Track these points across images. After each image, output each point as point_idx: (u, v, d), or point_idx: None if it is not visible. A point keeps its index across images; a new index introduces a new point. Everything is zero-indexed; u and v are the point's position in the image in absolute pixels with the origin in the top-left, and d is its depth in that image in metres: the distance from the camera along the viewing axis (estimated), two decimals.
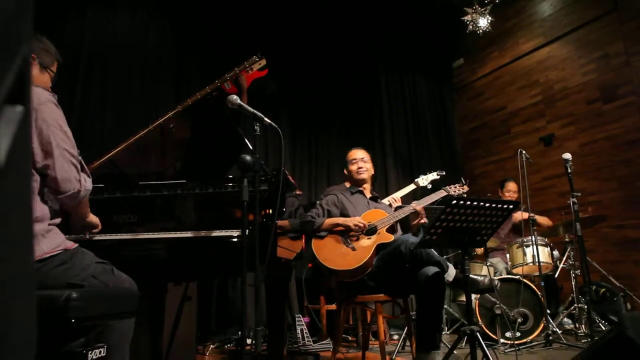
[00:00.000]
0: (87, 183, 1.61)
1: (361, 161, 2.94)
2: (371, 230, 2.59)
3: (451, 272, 2.33)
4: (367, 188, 2.97)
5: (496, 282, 2.36)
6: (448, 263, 2.38)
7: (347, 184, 4.10)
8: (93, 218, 1.89)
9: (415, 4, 6.13)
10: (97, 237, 2.01)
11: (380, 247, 2.51)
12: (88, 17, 4.23)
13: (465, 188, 3.01)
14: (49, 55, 1.74)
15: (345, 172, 4.12)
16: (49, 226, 1.50)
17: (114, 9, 4.43)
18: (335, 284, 2.63)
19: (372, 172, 3.01)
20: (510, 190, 4.56)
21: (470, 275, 2.34)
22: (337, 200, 2.82)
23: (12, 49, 0.38)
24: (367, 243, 2.54)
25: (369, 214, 2.70)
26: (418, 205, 2.75)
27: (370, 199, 2.91)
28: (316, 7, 5.50)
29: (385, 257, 2.46)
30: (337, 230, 2.59)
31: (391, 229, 2.64)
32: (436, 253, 2.39)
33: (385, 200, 3.06)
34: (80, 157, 1.63)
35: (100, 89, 4.11)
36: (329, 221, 2.62)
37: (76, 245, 1.57)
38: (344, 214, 2.74)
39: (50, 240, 1.47)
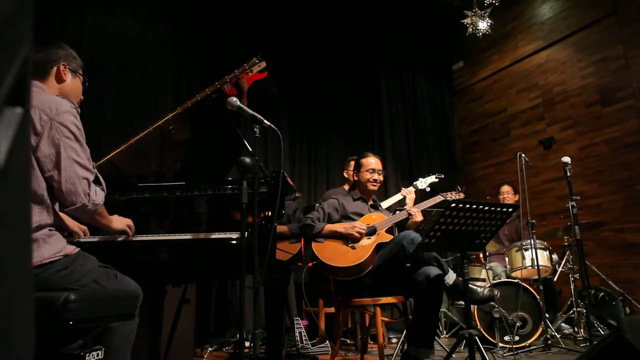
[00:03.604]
0: (98, 197, 1.56)
1: (377, 173, 2.87)
2: (371, 232, 2.61)
3: (451, 276, 2.33)
4: (370, 197, 2.95)
5: (496, 292, 2.34)
6: (448, 267, 2.38)
7: (347, 187, 4.10)
8: (119, 225, 1.86)
9: (415, 7, 6.15)
10: (96, 240, 2.01)
11: (379, 247, 2.53)
12: (88, 18, 4.23)
13: (462, 195, 3.02)
14: (75, 59, 1.74)
15: (345, 174, 4.13)
16: (50, 231, 1.49)
17: (114, 9, 4.42)
18: (334, 285, 2.63)
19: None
20: (503, 192, 4.61)
21: (470, 285, 2.33)
22: (339, 204, 2.81)
23: (12, 50, 0.38)
24: (367, 242, 2.56)
25: (368, 217, 2.74)
26: (414, 209, 2.77)
27: (371, 206, 2.91)
28: (316, 9, 5.51)
29: (386, 256, 2.46)
30: (336, 236, 2.60)
31: (390, 231, 2.66)
32: (437, 255, 2.39)
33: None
34: (95, 170, 1.60)
35: (100, 90, 4.10)
36: (329, 227, 2.62)
37: (77, 249, 1.56)
38: (345, 218, 2.74)
39: (51, 246, 1.46)
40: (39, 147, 1.46)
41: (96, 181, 1.60)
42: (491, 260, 4.24)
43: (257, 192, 1.81)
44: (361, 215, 2.78)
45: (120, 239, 1.97)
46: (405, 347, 2.38)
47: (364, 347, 2.97)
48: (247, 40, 4.89)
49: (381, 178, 2.91)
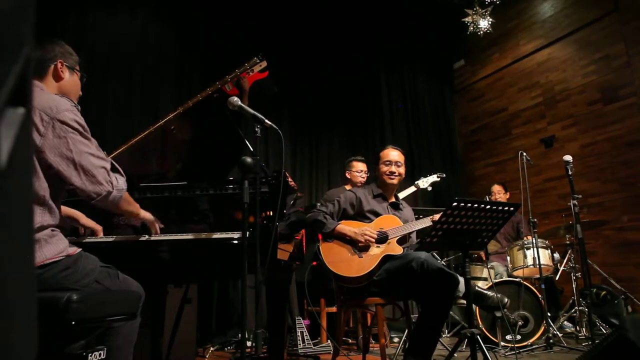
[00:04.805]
0: (120, 183, 1.58)
1: (395, 165, 2.74)
2: (381, 239, 2.51)
3: (461, 288, 2.25)
4: (391, 193, 2.81)
5: (506, 300, 2.31)
6: (458, 276, 2.27)
7: (348, 187, 4.09)
8: (148, 215, 1.88)
9: (416, 5, 6.14)
10: (97, 240, 2.01)
11: (387, 257, 2.43)
12: (88, 18, 4.23)
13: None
14: (72, 56, 1.73)
15: (348, 175, 4.10)
16: (52, 232, 1.49)
17: (114, 9, 4.43)
18: (337, 286, 2.62)
19: (403, 177, 2.83)
20: (495, 191, 4.62)
21: (482, 291, 2.31)
22: (356, 199, 2.69)
23: (13, 50, 0.38)
24: (374, 252, 2.46)
25: (382, 220, 2.62)
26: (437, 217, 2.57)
27: (391, 204, 2.77)
28: (317, 8, 5.51)
29: (392, 270, 2.37)
30: (345, 239, 2.51)
31: (402, 239, 2.54)
32: (446, 267, 2.28)
33: None
34: (110, 158, 1.60)
35: (101, 91, 4.11)
36: (339, 229, 2.51)
37: (79, 250, 1.55)
38: (360, 216, 2.66)
39: (53, 246, 1.45)
40: (44, 148, 1.45)
41: (113, 169, 1.60)
42: (491, 260, 4.23)
43: (258, 191, 1.81)
44: (378, 214, 2.66)
45: (142, 238, 1.98)
46: (406, 348, 2.36)
47: (365, 347, 2.97)
48: (248, 39, 4.89)
49: (400, 171, 2.76)
